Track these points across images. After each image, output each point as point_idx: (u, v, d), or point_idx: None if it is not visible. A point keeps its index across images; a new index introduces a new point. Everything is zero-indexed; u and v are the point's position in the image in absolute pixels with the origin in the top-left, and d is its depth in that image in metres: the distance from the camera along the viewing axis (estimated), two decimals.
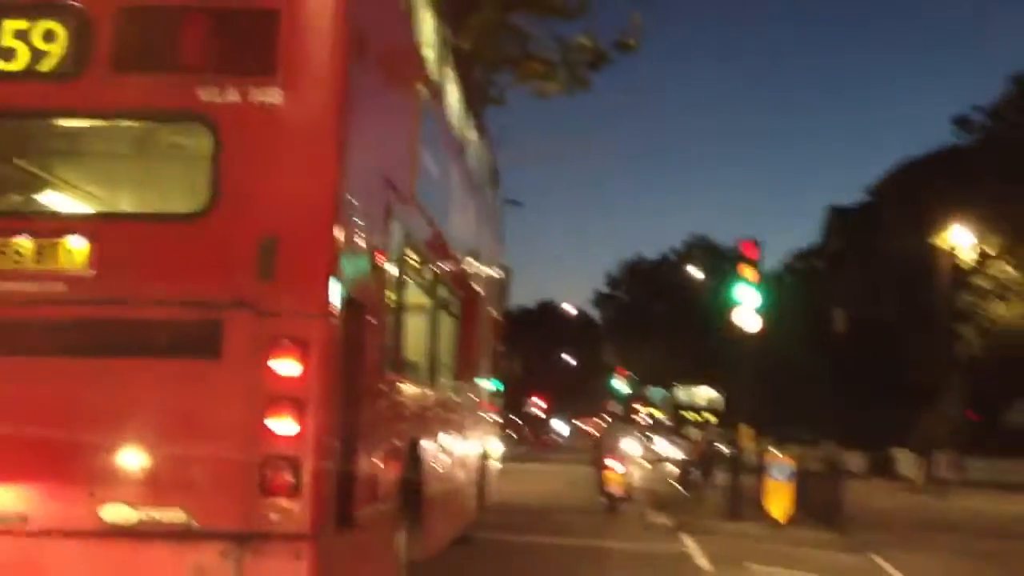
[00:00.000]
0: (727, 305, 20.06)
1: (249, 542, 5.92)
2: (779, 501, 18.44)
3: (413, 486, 8.54)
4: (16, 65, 6.33)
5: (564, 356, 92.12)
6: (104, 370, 6.09)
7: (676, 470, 28.60)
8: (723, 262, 78.19)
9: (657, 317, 72.25)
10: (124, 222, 6.57)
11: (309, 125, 6.24)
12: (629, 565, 13.49)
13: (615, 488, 21.35)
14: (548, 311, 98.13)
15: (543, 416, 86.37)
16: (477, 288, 13.40)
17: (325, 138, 6.28)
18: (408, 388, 8.66)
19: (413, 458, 8.60)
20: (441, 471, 10.32)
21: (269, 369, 5.97)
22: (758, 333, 19.81)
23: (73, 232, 6.21)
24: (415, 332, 9.20)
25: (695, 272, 65.04)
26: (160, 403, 6.08)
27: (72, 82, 6.31)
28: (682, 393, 63.38)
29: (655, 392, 74.66)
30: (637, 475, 34.74)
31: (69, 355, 6.14)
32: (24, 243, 6.21)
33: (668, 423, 63.18)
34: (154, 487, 6.00)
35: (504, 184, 17.34)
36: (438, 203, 10.06)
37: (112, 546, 5.98)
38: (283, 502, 5.95)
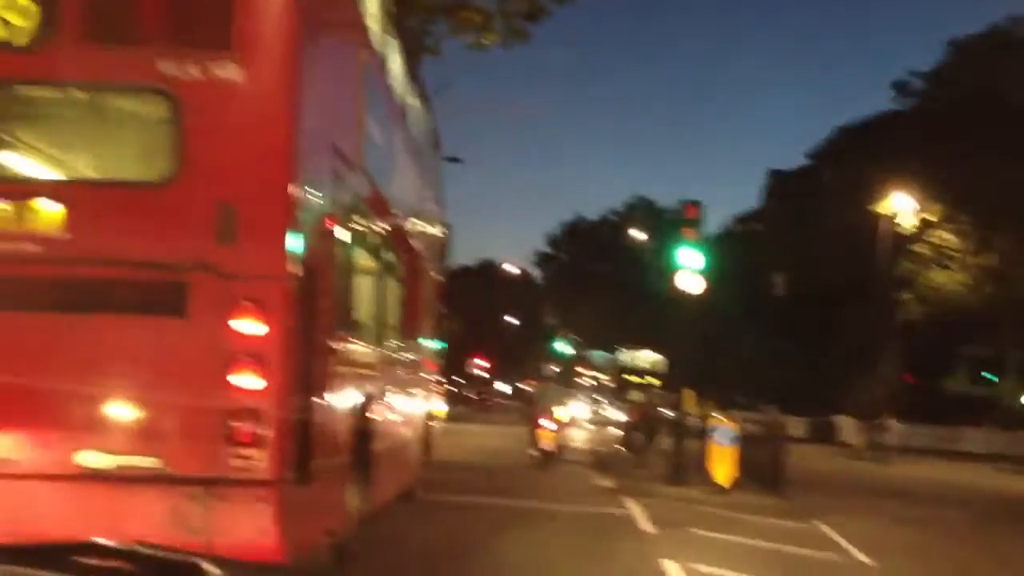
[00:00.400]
0: (669, 268, 19.75)
1: (216, 487, 6.38)
2: (723, 466, 18.25)
3: (362, 442, 9.01)
4: None
5: (507, 317, 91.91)
6: (79, 326, 6.56)
7: (619, 433, 28.92)
8: (664, 224, 78.26)
9: (598, 278, 72.14)
10: (94, 187, 6.98)
11: (263, 98, 6.66)
12: (571, 527, 13.34)
13: (546, 444, 22.99)
14: (489, 270, 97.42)
15: (486, 377, 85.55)
16: (419, 250, 13.92)
17: (279, 110, 6.71)
18: (358, 347, 9.13)
19: (363, 415, 9.07)
20: (388, 428, 10.79)
21: (232, 328, 6.42)
22: (700, 296, 19.65)
23: (48, 196, 6.62)
24: (362, 293, 9.70)
25: (636, 234, 64.74)
26: (132, 358, 6.54)
27: (40, 52, 6.67)
28: (625, 356, 63.16)
29: (598, 355, 74.51)
30: (580, 437, 34.67)
31: (47, 311, 6.58)
32: (2, 205, 6.59)
33: (611, 386, 62.92)
34: (129, 436, 6.46)
35: (442, 138, 17.82)
36: (382, 167, 10.45)
37: (91, 490, 6.44)
38: (247, 451, 6.40)
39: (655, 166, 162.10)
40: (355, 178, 8.68)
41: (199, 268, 6.50)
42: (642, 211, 77.56)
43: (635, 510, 15.03)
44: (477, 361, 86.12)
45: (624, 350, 62.99)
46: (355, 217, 8.84)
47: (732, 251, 66.08)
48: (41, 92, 7.13)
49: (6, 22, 6.64)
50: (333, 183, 7.82)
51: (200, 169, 6.58)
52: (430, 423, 15.67)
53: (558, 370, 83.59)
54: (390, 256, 11.35)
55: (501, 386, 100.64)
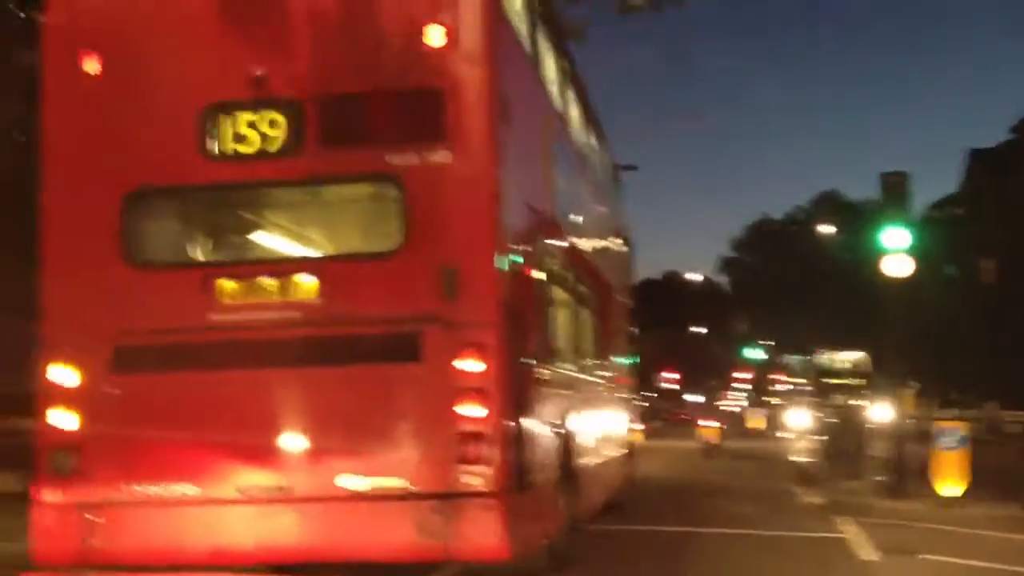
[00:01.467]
0: (873, 252, 18.38)
1: (453, 500, 7.93)
2: (951, 473, 16.38)
3: (568, 457, 10.59)
4: (251, 147, 8.53)
5: (693, 328, 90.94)
6: (336, 375, 8.27)
7: (822, 440, 26.60)
8: (856, 218, 74.46)
9: (789, 280, 68.88)
10: (341, 261, 8.81)
11: (472, 177, 8.24)
12: (781, 554, 12.04)
13: (709, 438, 31.16)
14: (673, 282, 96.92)
15: (675, 389, 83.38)
16: (606, 276, 15.63)
17: (484, 186, 8.29)
18: (561, 375, 10.83)
19: (568, 433, 10.64)
20: (590, 445, 12.43)
21: (457, 368, 8.01)
22: (909, 282, 18.12)
23: (306, 271, 8.44)
24: (560, 325, 11.38)
25: (827, 228, 61.35)
26: (379, 398, 8.20)
27: (292, 157, 8.46)
28: (823, 358, 59.17)
29: (792, 359, 70.65)
30: (795, 447, 32.38)
31: (310, 365, 8.33)
32: (270, 281, 8.41)
33: (809, 391, 58.99)
34: (380, 461, 8.10)
35: (618, 151, 19.21)
36: (569, 211, 12.22)
37: (352, 508, 8.10)
38: (476, 468, 7.93)
39: (841, 162, 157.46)
40: (547, 227, 10.37)
41: (430, 320, 8.11)
42: (831, 206, 73.75)
43: (851, 532, 13.56)
44: (665, 375, 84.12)
45: (823, 352, 59.05)
46: (549, 260, 10.47)
47: (932, 239, 62.10)
48: (295, 189, 8.94)
49: (265, 135, 8.44)
50: (529, 236, 9.41)
51: (424, 239, 8.21)
52: (630, 437, 17.37)
53: (750, 377, 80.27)
54: (582, 288, 13.02)
55: (692, 398, 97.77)
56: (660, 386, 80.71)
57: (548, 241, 10.37)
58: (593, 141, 15.21)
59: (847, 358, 58.21)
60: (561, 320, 11.36)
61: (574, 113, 13.34)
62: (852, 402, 29.52)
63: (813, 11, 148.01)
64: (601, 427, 13.77)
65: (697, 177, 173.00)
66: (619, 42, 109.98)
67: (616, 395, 16.16)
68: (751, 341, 78.25)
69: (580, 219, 13.10)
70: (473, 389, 7.98)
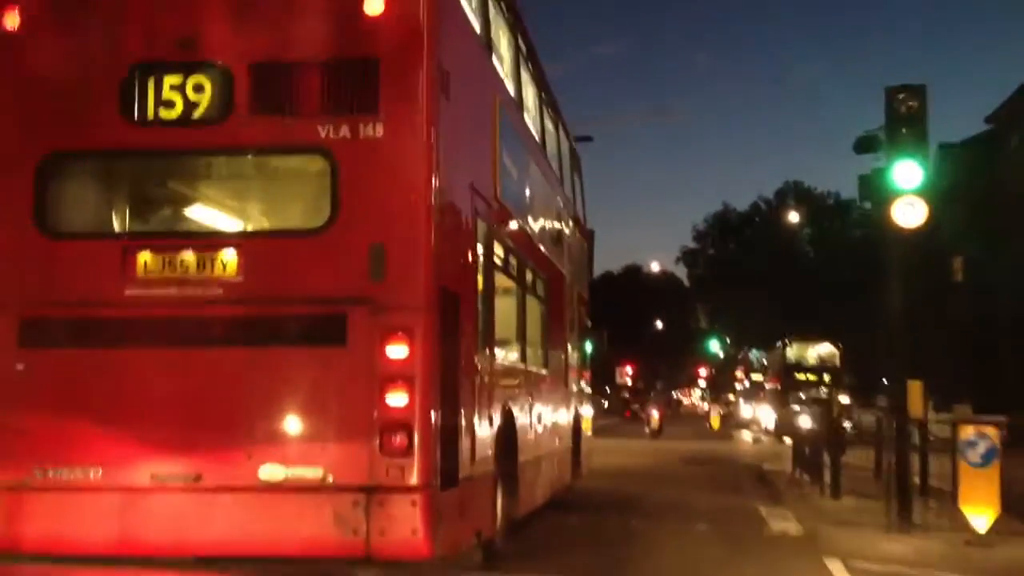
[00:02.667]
0: (878, 196, 13.95)
1: (374, 493, 7.75)
2: (979, 497, 12.11)
3: (508, 451, 10.40)
4: (175, 113, 8.26)
5: (653, 322, 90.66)
6: (255, 357, 8.04)
7: (791, 446, 22.68)
8: (822, 210, 73.69)
9: (752, 272, 68.20)
10: (266, 237, 8.61)
11: (406, 152, 8.05)
12: None
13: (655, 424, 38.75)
14: (633, 275, 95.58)
15: (636, 386, 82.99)
16: (561, 269, 15.40)
17: (419, 162, 8.06)
18: (500, 365, 10.51)
19: (507, 427, 10.42)
20: (533, 438, 12.24)
21: (384, 353, 7.83)
22: (921, 229, 13.56)
23: (229, 247, 8.19)
24: (505, 314, 11.03)
25: (794, 215, 60.35)
26: (300, 383, 7.99)
27: (219, 126, 8.25)
28: (794, 351, 57.07)
29: (754, 354, 69.76)
30: (756, 449, 31.09)
31: (230, 346, 8.10)
32: (191, 255, 8.14)
33: (772, 388, 57.50)
34: (298, 450, 7.89)
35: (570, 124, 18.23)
36: (519, 197, 11.92)
37: (267, 498, 7.87)
38: (400, 461, 7.74)
39: (807, 157, 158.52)
40: (492, 211, 10.12)
41: (356, 302, 7.87)
42: (796, 195, 72.94)
43: None
44: (625, 370, 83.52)
45: (793, 344, 57.06)
46: (494, 246, 10.24)
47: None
48: (220, 158, 8.74)
49: (190, 101, 8.19)
50: (471, 219, 9.25)
51: (353, 216, 8.00)
52: (579, 433, 16.89)
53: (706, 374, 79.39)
54: (531, 277, 12.75)
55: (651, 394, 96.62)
56: (622, 381, 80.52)
57: (491, 224, 10.16)
58: (550, 126, 15.02)
59: (818, 351, 56.58)
60: (504, 308, 11.08)
61: (529, 95, 13.18)
62: (825, 398, 27.27)
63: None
64: (546, 420, 13.54)
65: (661, 167, 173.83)
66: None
67: (566, 388, 15.86)
68: (710, 335, 77.53)
69: (531, 204, 12.85)
70: (399, 376, 7.82)
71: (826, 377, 52.86)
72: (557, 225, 15.28)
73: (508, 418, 10.49)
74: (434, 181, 8.10)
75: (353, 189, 8.03)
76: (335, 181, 8.08)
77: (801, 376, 53.45)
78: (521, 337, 12.17)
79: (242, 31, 8.27)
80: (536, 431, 12.51)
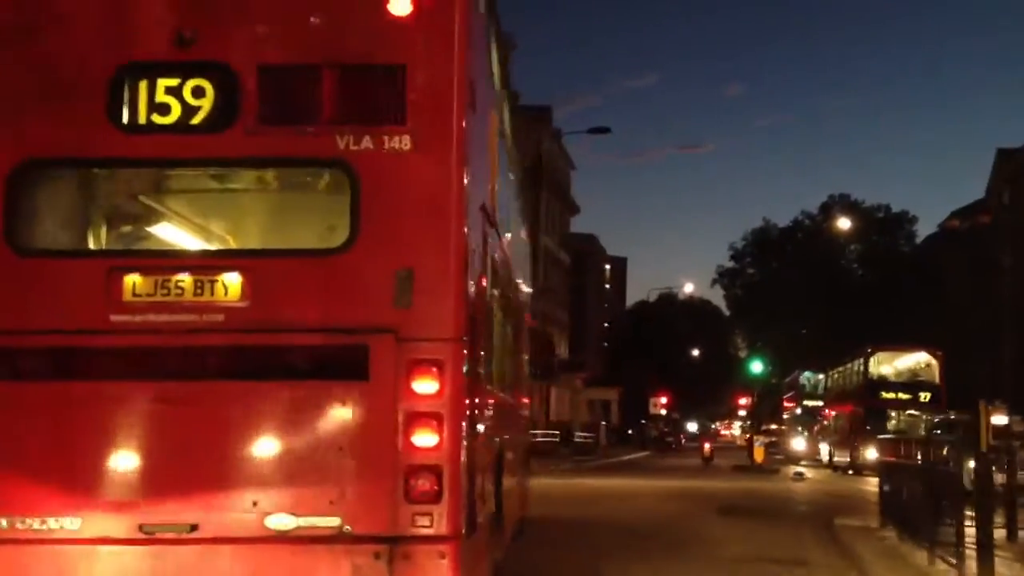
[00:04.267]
0: None
1: (398, 544, 7.14)
2: None
3: (498, 491, 10.12)
4: (171, 119, 7.55)
5: (689, 350, 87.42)
6: (263, 392, 7.34)
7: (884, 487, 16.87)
8: (870, 223, 69.11)
9: (796, 287, 63.15)
10: (276, 258, 7.78)
11: (435, 168, 7.37)
12: None
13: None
14: (668, 302, 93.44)
15: (673, 416, 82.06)
16: (522, 297, 14.79)
17: (451, 179, 7.41)
18: (498, 401, 10.16)
19: (499, 466, 10.10)
20: (510, 476, 11.91)
21: (411, 389, 7.21)
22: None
23: (235, 269, 7.47)
24: (497, 344, 10.64)
25: (844, 222, 55.55)
26: (314, 421, 7.23)
27: (223, 134, 7.54)
28: (879, 364, 43.54)
29: (807, 376, 62.34)
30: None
31: (233, 379, 7.37)
32: (187, 277, 7.40)
33: (836, 413, 49.45)
34: (311, 497, 7.19)
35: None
36: (505, 221, 11.57)
37: (275, 551, 7.20)
38: (428, 508, 7.11)
39: (852, 170, 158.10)
40: (494, 238, 9.67)
41: (379, 331, 7.21)
42: (843, 209, 68.08)
43: None
44: (661, 400, 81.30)
45: (876, 357, 46.66)
46: (495, 275, 9.79)
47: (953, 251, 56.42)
48: (223, 170, 8.03)
49: (188, 106, 7.43)
50: (483, 245, 8.72)
51: (376, 237, 7.32)
52: (527, 465, 16.38)
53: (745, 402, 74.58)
54: (510, 308, 12.22)
55: (690, 426, 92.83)
56: (657, 412, 78.43)
57: (494, 249, 9.68)
58: (508, 132, 14.62)
59: (907, 364, 45.93)
60: (496, 337, 10.56)
61: (507, 117, 12.98)
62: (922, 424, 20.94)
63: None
64: (518, 451, 13.42)
65: (695, 196, 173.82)
66: None
67: (526, 416, 15.74)
68: (751, 358, 71.60)
69: (509, 227, 12.48)
70: (427, 414, 7.19)
71: (923, 396, 43.72)
72: (518, 248, 14.67)
73: (501, 457, 10.24)
74: (464, 200, 7.56)
75: (376, 207, 7.38)
76: (355, 198, 7.42)
77: (889, 395, 41.80)
78: (503, 370, 11.50)
79: (250, 29, 7.64)
80: (511, 468, 12.15)
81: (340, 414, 7.19)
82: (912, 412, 39.49)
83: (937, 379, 40.78)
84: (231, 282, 7.32)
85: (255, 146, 7.45)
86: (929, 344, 43.53)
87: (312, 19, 7.48)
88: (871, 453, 33.94)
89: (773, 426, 70.09)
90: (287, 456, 7.20)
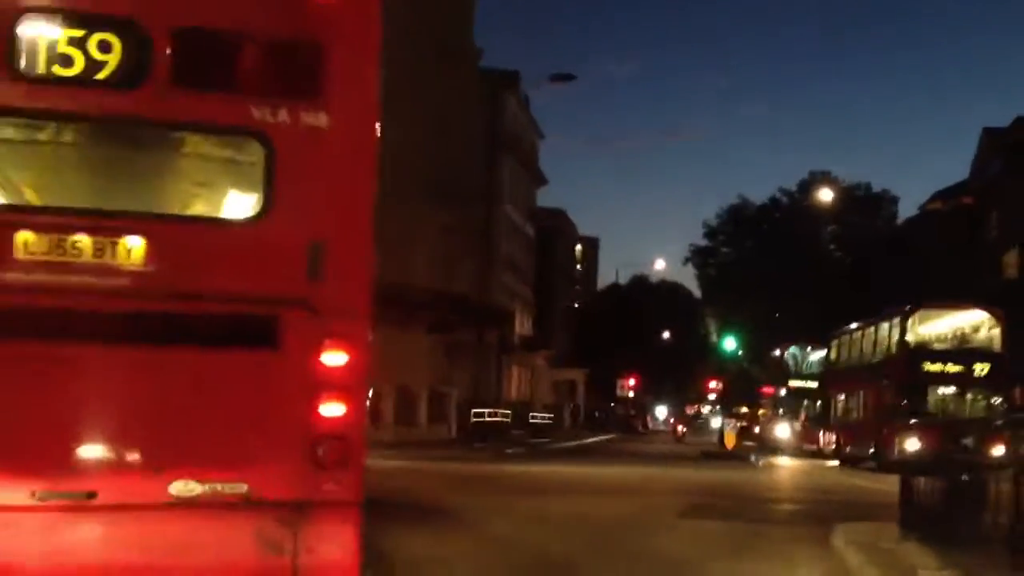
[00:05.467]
0: None
1: (304, 510, 7.26)
2: None
3: None
4: (74, 70, 7.39)
5: (659, 333, 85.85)
6: (167, 357, 7.31)
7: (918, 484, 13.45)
8: (850, 202, 66.65)
9: (782, 261, 61.15)
10: (186, 224, 7.76)
11: (351, 144, 7.52)
12: None
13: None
14: (640, 285, 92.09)
15: (639, 400, 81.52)
16: None
17: (364, 155, 7.59)
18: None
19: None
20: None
21: (321, 361, 7.35)
22: None
23: (138, 232, 7.37)
24: None
25: (826, 193, 53.19)
26: (220, 388, 7.26)
27: (134, 92, 7.49)
28: (915, 329, 33.85)
29: (793, 353, 57.72)
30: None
31: (136, 344, 7.26)
32: (86, 238, 7.25)
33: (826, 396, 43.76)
34: (215, 463, 7.26)
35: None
36: None
37: (178, 518, 7.21)
38: (335, 475, 7.25)
39: (833, 148, 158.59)
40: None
41: (290, 303, 7.31)
42: (820, 185, 65.72)
43: None
44: (628, 382, 79.72)
45: (922, 311, 33.80)
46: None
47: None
48: (136, 131, 8.04)
49: (93, 59, 7.26)
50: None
51: (290, 208, 7.43)
52: None
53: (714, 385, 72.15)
54: None
55: (659, 409, 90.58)
56: (624, 395, 77.33)
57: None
58: None
59: (963, 325, 33.81)
60: None
61: None
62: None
63: None
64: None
65: (673, 182, 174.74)
66: None
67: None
68: (724, 335, 68.76)
69: None
70: (336, 385, 7.35)
71: (978, 368, 31.53)
72: None
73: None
74: (375, 176, 7.77)
75: (291, 180, 7.48)
76: (270, 169, 7.47)
77: (934, 367, 32.09)
78: None
79: None
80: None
81: (247, 382, 7.29)
82: (960, 388, 32.00)
83: (998, 346, 32.22)
84: (134, 246, 7.25)
85: (166, 107, 7.42)
86: (986, 302, 34.76)
87: None
88: (911, 444, 28.47)
89: (744, 409, 66.67)
90: (192, 423, 7.25)
